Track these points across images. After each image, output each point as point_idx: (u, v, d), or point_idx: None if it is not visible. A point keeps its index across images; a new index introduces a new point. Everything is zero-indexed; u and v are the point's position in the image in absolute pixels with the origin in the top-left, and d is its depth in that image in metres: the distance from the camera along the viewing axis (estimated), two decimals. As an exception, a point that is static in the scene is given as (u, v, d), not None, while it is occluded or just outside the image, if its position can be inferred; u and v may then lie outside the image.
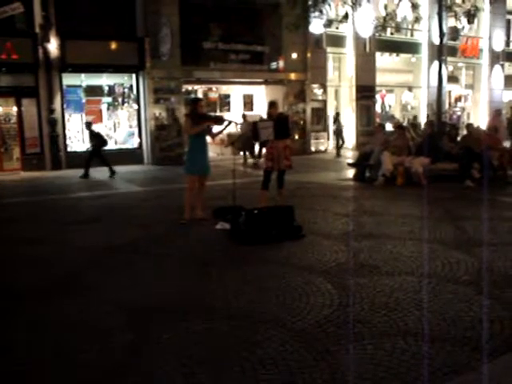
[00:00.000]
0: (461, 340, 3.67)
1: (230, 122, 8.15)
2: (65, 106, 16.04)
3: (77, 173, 14.67)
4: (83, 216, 8.74)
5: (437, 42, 15.61)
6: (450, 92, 24.90)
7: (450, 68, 24.27)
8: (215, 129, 8.42)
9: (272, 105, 8.41)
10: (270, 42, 18.90)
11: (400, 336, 3.73)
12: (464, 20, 17.32)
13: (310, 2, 14.68)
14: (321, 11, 15.11)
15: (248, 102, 20.45)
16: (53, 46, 15.23)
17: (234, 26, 18.22)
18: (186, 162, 7.95)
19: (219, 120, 8.49)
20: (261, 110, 18.57)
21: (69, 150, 16.18)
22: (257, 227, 6.62)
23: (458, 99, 25.98)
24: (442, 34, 14.25)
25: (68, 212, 9.25)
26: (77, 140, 16.52)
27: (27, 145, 15.60)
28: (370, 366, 3.32)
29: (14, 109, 15.53)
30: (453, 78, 24.86)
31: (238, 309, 4.35)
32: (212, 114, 13.67)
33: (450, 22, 20.91)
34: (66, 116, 16.14)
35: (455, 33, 22.64)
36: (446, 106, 23.18)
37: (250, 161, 16.00)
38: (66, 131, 16.13)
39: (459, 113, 25.34)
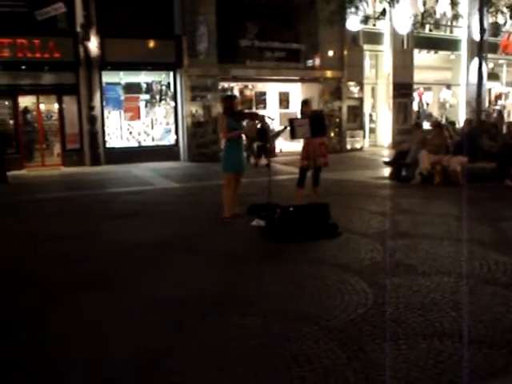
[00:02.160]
0: (498, 343, 3.62)
1: (284, 127, 8.26)
2: (104, 103, 16.35)
3: (115, 169, 15.00)
4: (120, 211, 8.92)
5: (477, 38, 15.28)
6: (490, 90, 24.32)
7: (491, 65, 23.68)
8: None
9: (305, 103, 8.41)
10: (306, 39, 18.82)
11: (436, 337, 3.71)
12: (506, 15, 16.85)
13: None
14: (357, 7, 14.98)
15: (284, 100, 20.43)
16: (93, 44, 15.55)
17: (270, 24, 18.20)
18: (222, 159, 8.01)
19: (255, 116, 8.58)
20: (296, 108, 18.54)
21: (107, 146, 16.51)
22: (292, 225, 6.64)
23: (499, 97, 25.35)
24: (482, 31, 13.93)
25: (105, 207, 9.45)
26: (115, 137, 16.83)
27: (67, 141, 15.98)
28: (404, 366, 3.31)
29: (56, 106, 15.95)
30: (493, 76, 24.25)
31: (272, 306, 4.38)
32: (246, 110, 13.63)
33: (491, 18, 20.39)
34: (106, 113, 16.46)
35: (496, 29, 22.09)
36: (486, 103, 22.65)
37: (252, 160, 15.06)
38: (105, 128, 16.45)
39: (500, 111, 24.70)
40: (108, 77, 16.44)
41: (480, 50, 14.25)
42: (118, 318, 4.24)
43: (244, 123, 8.26)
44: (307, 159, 8.03)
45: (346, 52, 19.16)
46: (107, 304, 4.56)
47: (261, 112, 16.05)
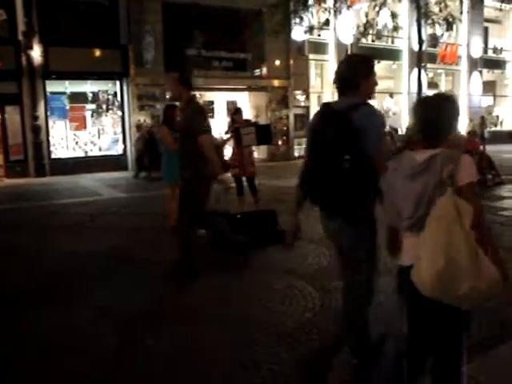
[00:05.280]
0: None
1: (230, 136, 8.26)
2: (49, 113, 16.01)
3: (62, 180, 14.68)
4: (67, 222, 8.76)
5: (416, 48, 15.89)
6: (430, 97, 25.27)
7: (430, 74, 24.65)
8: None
9: (237, 111, 8.51)
10: (253, 49, 19.06)
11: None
12: (443, 27, 17.63)
13: (291, 8, 14.89)
14: (301, 18, 15.32)
15: (232, 109, 20.53)
16: (36, 53, 15.21)
17: (217, 34, 18.34)
18: (164, 170, 7.77)
19: None
20: (245, 116, 18.69)
21: (53, 156, 16.14)
22: (239, 232, 6.69)
23: (439, 105, 26.36)
24: (421, 41, 14.52)
25: (51, 219, 9.25)
26: (61, 147, 16.49)
27: (11, 152, 15.55)
28: (351, 369, 3.40)
29: (-3, 116, 15.50)
30: (433, 84, 25.24)
31: (219, 313, 4.42)
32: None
33: (429, 30, 21.26)
34: (50, 123, 16.12)
35: (434, 40, 23.03)
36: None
37: (143, 174, 15.01)
38: (50, 138, 16.10)
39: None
40: (52, 86, 16.12)
41: (419, 59, 14.85)
42: (68, 329, 4.18)
43: None
44: (238, 167, 8.13)
45: (291, 61, 19.52)
46: (57, 316, 4.47)
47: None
